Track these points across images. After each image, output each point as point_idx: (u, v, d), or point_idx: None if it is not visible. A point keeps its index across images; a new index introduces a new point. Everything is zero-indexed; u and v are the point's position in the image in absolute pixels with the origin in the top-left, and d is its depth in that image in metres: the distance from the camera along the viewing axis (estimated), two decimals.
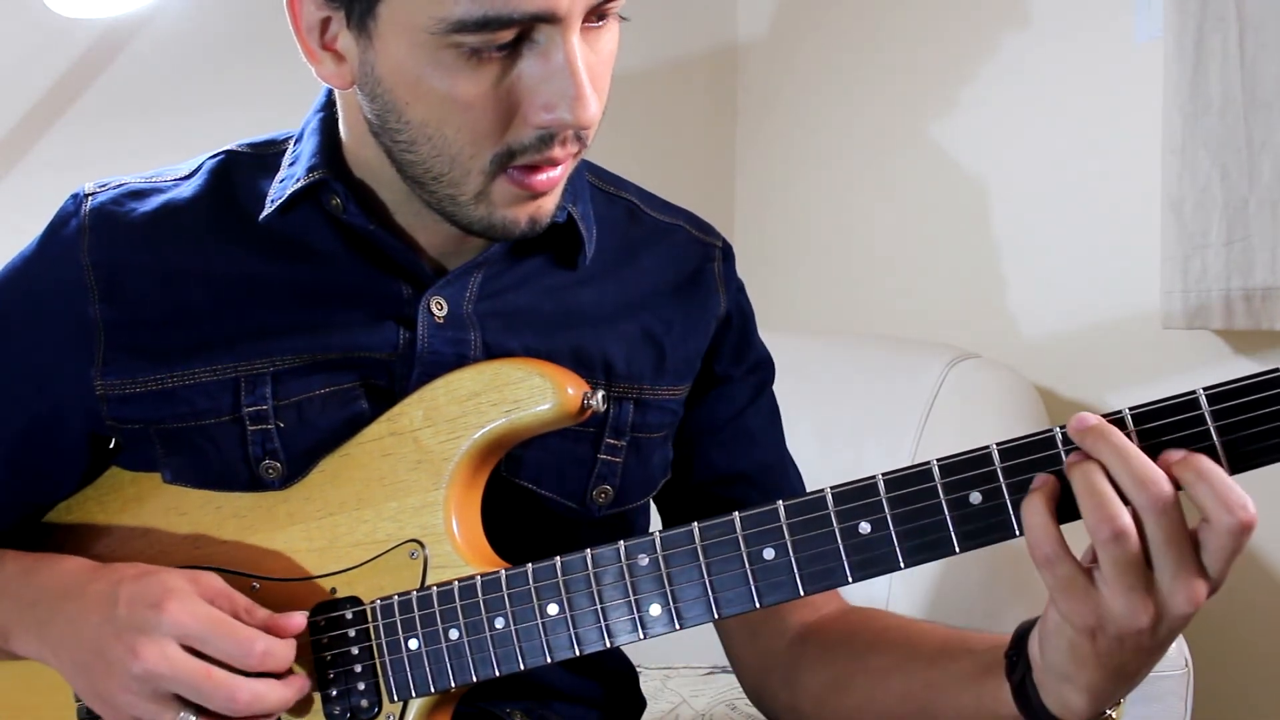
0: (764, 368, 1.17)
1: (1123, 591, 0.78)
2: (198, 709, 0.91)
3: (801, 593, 0.86)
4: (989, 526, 0.82)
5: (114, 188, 1.05)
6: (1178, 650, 1.26)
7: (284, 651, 0.93)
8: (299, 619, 0.95)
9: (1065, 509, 0.80)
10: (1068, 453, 0.81)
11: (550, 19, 0.86)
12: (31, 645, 0.99)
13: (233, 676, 0.91)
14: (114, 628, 0.92)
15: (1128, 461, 0.77)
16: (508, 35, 0.86)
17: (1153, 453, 0.79)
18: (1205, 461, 0.78)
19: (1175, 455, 0.78)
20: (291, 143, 1.06)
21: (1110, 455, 0.78)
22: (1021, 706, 0.87)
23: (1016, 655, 0.88)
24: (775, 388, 1.19)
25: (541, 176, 0.93)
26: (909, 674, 0.99)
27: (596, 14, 0.90)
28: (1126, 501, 0.78)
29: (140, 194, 1.05)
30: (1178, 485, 0.78)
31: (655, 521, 1.18)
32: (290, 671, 0.94)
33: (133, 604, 0.92)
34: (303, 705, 0.96)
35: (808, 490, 0.87)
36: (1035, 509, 0.80)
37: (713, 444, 1.14)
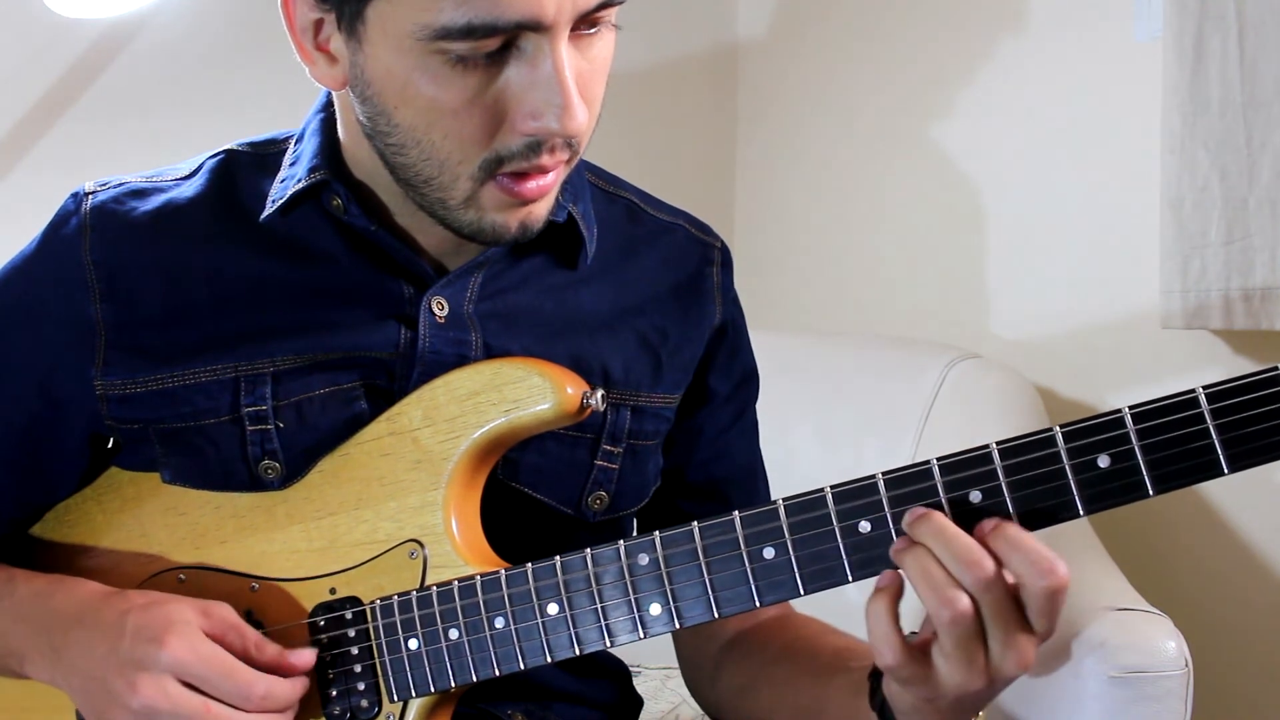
0: (749, 384, 1.18)
1: (961, 666, 0.81)
2: None
3: (802, 592, 0.86)
4: None
5: (114, 187, 1.05)
6: (1178, 650, 1.26)
7: (285, 693, 0.93)
8: (308, 656, 0.95)
9: None
10: (1068, 452, 0.81)
11: (536, 27, 0.86)
12: (44, 671, 0.99)
13: (232, 712, 0.91)
14: (117, 660, 0.92)
15: (949, 544, 0.80)
16: (494, 43, 0.86)
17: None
18: (1014, 529, 0.80)
19: (988, 525, 0.81)
20: (292, 142, 1.06)
21: (932, 539, 0.81)
22: None
23: (876, 683, 0.91)
24: (776, 388, 1.20)
25: (531, 184, 0.92)
26: (800, 687, 1.03)
27: (588, 22, 0.89)
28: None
29: (141, 193, 1.04)
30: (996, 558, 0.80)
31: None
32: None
33: (136, 637, 0.92)
34: (303, 706, 0.96)
35: (806, 490, 0.87)
36: (879, 615, 0.83)
37: (693, 459, 1.15)
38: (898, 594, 0.83)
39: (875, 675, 0.91)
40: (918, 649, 0.83)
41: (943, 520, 0.81)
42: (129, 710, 0.91)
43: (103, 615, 0.95)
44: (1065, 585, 0.79)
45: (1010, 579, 0.80)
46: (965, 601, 0.79)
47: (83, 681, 0.95)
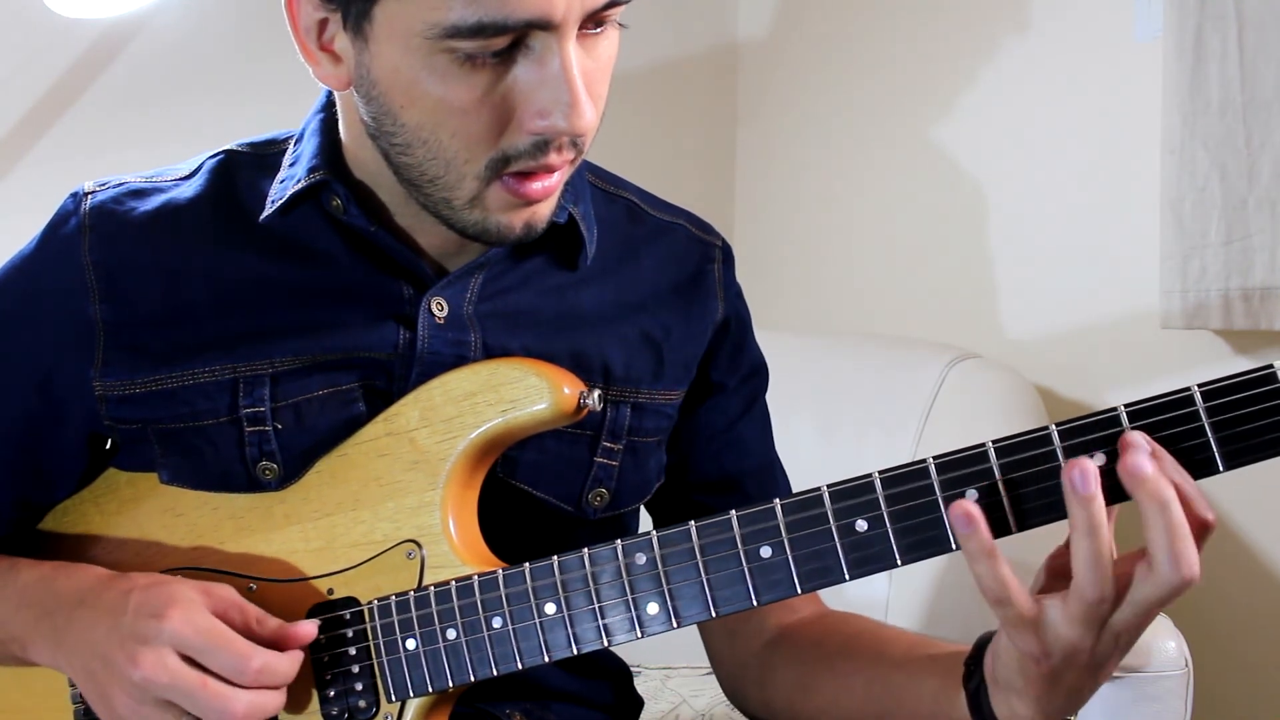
0: (758, 376, 1.17)
1: (1081, 629, 0.80)
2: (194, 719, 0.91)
3: (799, 591, 0.86)
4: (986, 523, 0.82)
5: (114, 187, 1.05)
6: (1178, 650, 1.26)
7: (283, 667, 0.92)
8: (309, 628, 0.95)
9: (1000, 522, 0.82)
10: (1065, 451, 0.80)
11: (545, 26, 0.86)
12: (46, 654, 0.99)
13: (229, 688, 0.90)
14: (119, 635, 0.93)
15: (1175, 539, 0.77)
16: (502, 42, 0.86)
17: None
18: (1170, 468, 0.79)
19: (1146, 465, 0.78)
20: (292, 143, 1.06)
21: (1161, 527, 0.77)
22: (974, 713, 0.89)
23: (974, 665, 0.90)
24: (776, 388, 1.19)
25: (537, 185, 0.92)
26: (873, 678, 1.01)
27: (594, 21, 0.89)
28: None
29: (141, 193, 1.05)
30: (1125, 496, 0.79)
31: (645, 523, 1.18)
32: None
33: (138, 612, 0.92)
34: (300, 706, 0.96)
35: (805, 488, 0.87)
36: (978, 556, 0.80)
37: (704, 453, 1.14)
38: (985, 529, 0.80)
39: (972, 658, 0.90)
40: (1031, 598, 0.81)
41: (1179, 510, 0.77)
42: (129, 682, 0.91)
43: (105, 596, 0.96)
44: (1215, 526, 0.78)
45: None
46: (1115, 590, 0.78)
47: (84, 660, 0.95)
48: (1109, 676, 0.85)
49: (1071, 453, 0.80)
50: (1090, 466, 0.78)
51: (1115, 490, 0.79)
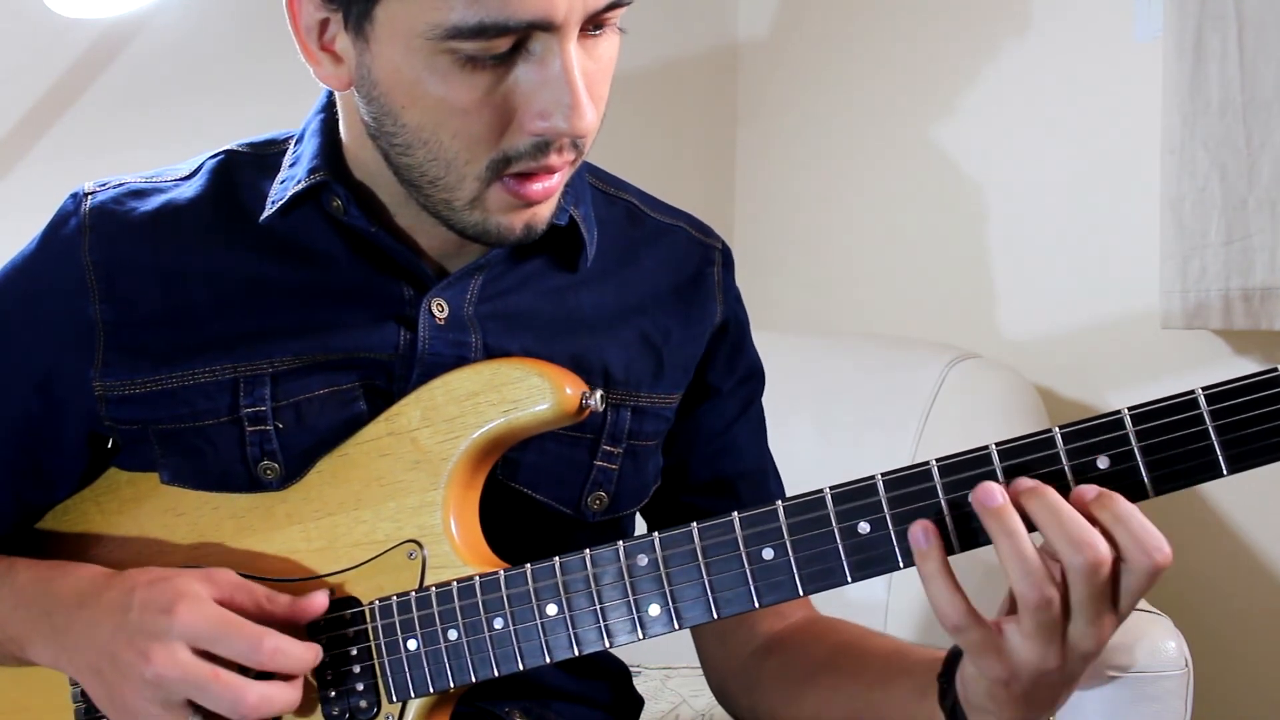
0: (754, 379, 1.17)
1: (1040, 645, 0.79)
2: (207, 713, 0.91)
3: (801, 592, 0.86)
4: None
5: (114, 187, 1.05)
6: (1178, 650, 1.26)
7: (296, 650, 0.92)
8: (320, 598, 0.95)
9: (960, 539, 0.82)
10: (1067, 453, 0.81)
11: (547, 27, 0.86)
12: (47, 654, 0.99)
13: (241, 679, 0.91)
14: (127, 634, 0.92)
15: (1063, 524, 0.78)
16: (504, 43, 0.86)
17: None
18: (1121, 502, 0.79)
19: (1090, 493, 0.79)
20: (292, 143, 1.06)
21: (1046, 516, 0.78)
22: None
23: (948, 682, 0.90)
24: (775, 388, 1.19)
25: (537, 186, 0.92)
26: (853, 693, 1.01)
27: (595, 23, 0.89)
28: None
29: (141, 194, 1.05)
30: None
31: (641, 525, 1.18)
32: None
33: (145, 609, 0.92)
34: (302, 706, 0.96)
35: (806, 490, 0.87)
36: (934, 578, 0.81)
37: (699, 456, 1.14)
38: (943, 554, 0.81)
39: (945, 675, 0.90)
40: (989, 622, 0.81)
41: (1057, 497, 0.78)
42: (141, 680, 0.91)
43: (106, 595, 0.96)
44: (1167, 566, 0.78)
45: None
46: (1054, 587, 0.78)
47: (89, 659, 0.95)
48: (1075, 686, 0.84)
49: (1075, 455, 0.81)
50: (992, 485, 0.80)
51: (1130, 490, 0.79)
